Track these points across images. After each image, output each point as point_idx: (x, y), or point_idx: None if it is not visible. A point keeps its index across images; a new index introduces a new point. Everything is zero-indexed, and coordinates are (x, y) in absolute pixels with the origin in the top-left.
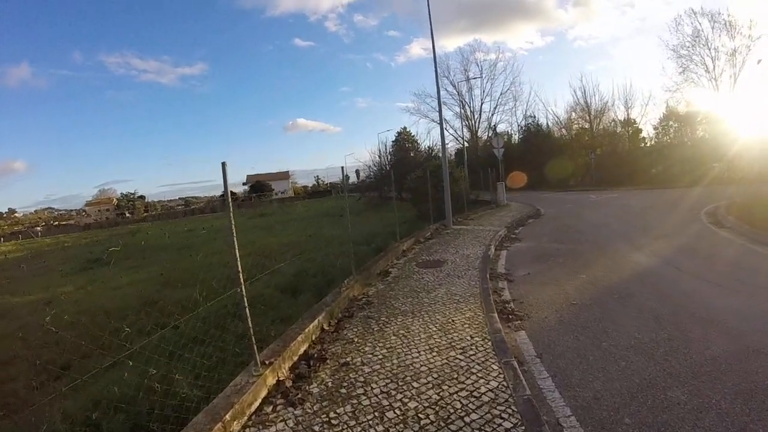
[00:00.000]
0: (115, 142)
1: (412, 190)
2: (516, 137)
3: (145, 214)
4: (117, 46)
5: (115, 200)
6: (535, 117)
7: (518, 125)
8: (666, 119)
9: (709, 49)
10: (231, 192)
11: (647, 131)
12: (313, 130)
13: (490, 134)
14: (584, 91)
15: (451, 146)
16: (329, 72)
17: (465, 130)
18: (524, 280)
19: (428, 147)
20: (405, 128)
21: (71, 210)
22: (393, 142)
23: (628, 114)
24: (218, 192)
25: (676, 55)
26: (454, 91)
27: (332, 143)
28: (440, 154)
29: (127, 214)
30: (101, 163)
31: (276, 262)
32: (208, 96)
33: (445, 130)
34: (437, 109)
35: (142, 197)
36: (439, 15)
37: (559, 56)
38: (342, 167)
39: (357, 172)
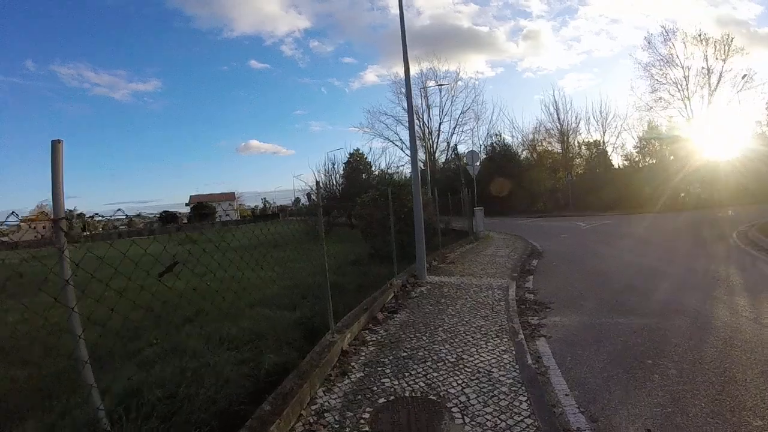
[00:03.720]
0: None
1: (364, 218)
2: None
3: (84, 233)
4: (71, 57)
5: (50, 216)
6: (500, 135)
7: (482, 145)
8: (646, 138)
9: (682, 68)
10: (172, 214)
11: (626, 151)
12: (265, 152)
13: (449, 155)
14: (557, 106)
15: (406, 168)
16: (284, 95)
17: (422, 151)
18: None
19: (382, 169)
20: (357, 150)
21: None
22: (344, 164)
23: (603, 133)
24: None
25: (647, 74)
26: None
27: (284, 166)
28: (398, 174)
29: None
30: (46, 177)
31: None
32: (161, 113)
33: (401, 150)
34: (392, 126)
35: (81, 215)
36: (394, 45)
37: (508, 86)
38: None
39: (308, 195)
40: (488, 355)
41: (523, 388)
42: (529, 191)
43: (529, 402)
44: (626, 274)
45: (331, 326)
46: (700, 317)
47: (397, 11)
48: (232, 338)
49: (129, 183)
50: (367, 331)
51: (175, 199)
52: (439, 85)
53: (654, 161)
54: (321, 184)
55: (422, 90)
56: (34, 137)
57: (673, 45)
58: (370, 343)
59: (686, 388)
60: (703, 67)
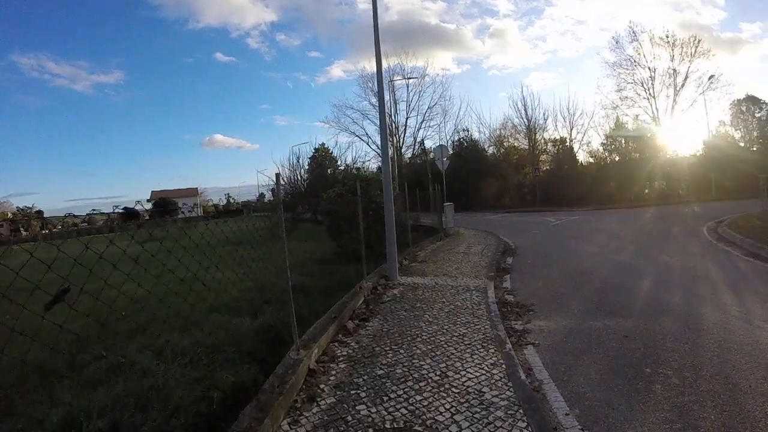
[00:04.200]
0: (20, 150)
1: (330, 215)
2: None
3: (43, 231)
4: (32, 47)
5: (10, 215)
6: (468, 131)
7: (449, 140)
8: (613, 135)
9: (648, 68)
10: (133, 210)
11: (592, 147)
12: (230, 147)
13: (415, 150)
14: (525, 102)
15: (372, 163)
16: (249, 88)
17: (389, 146)
18: None
19: (348, 164)
20: (323, 144)
21: None
22: (310, 158)
23: (570, 129)
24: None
25: (614, 73)
26: (378, 104)
27: (248, 160)
28: (364, 169)
29: (23, 232)
30: (3, 173)
31: None
32: (124, 106)
33: (367, 145)
34: (358, 121)
35: (39, 212)
36: (361, 40)
37: (475, 83)
38: None
39: (272, 190)
40: (476, 371)
41: (520, 411)
42: (496, 186)
43: (529, 429)
44: (604, 271)
45: (296, 341)
46: (690, 318)
47: (366, 6)
48: (185, 351)
49: (90, 179)
50: (336, 344)
51: (139, 194)
52: (407, 78)
53: (619, 158)
54: (285, 178)
55: (389, 84)
56: None
57: (640, 45)
58: (341, 358)
59: (692, 399)
60: (669, 68)
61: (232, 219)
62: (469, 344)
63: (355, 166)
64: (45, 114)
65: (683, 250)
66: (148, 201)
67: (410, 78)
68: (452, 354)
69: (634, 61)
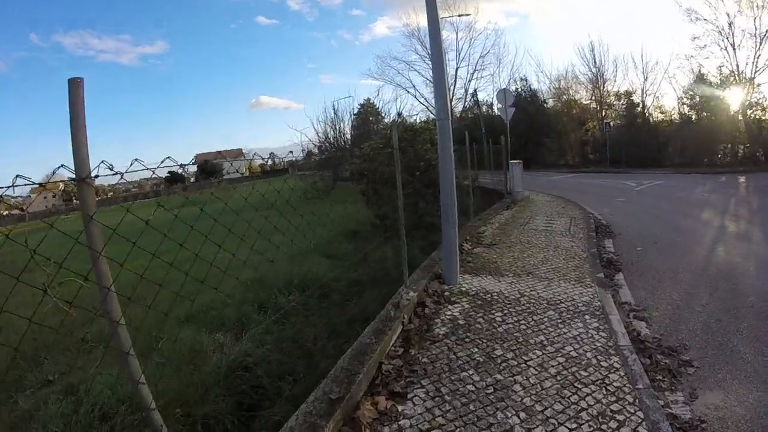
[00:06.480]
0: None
1: (363, 175)
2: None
3: (97, 198)
4: (74, 25)
5: (62, 185)
6: (526, 80)
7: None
8: (692, 90)
9: (727, 14)
10: (178, 174)
11: (662, 102)
12: (276, 108)
13: (466, 103)
14: (592, 48)
15: (421, 117)
16: (293, 49)
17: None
18: None
19: (395, 115)
20: (368, 99)
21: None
22: (355, 115)
23: (644, 80)
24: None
25: (689, 20)
26: (425, 53)
27: (295, 120)
28: (412, 120)
29: (75, 201)
30: (59, 147)
31: None
32: (170, 75)
33: (414, 98)
34: (403, 72)
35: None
36: None
37: (523, 37)
38: None
39: (319, 147)
40: None
41: None
42: (558, 143)
43: None
44: (753, 273)
45: None
46: None
47: None
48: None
49: (140, 146)
50: None
51: (181, 157)
52: (459, 15)
53: (697, 116)
54: (325, 135)
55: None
56: (43, 112)
57: None
58: None
59: None
60: (750, 14)
61: (274, 179)
62: None
63: (399, 113)
64: (93, 88)
65: None
66: (193, 164)
67: (461, 15)
68: None
69: (711, 5)
